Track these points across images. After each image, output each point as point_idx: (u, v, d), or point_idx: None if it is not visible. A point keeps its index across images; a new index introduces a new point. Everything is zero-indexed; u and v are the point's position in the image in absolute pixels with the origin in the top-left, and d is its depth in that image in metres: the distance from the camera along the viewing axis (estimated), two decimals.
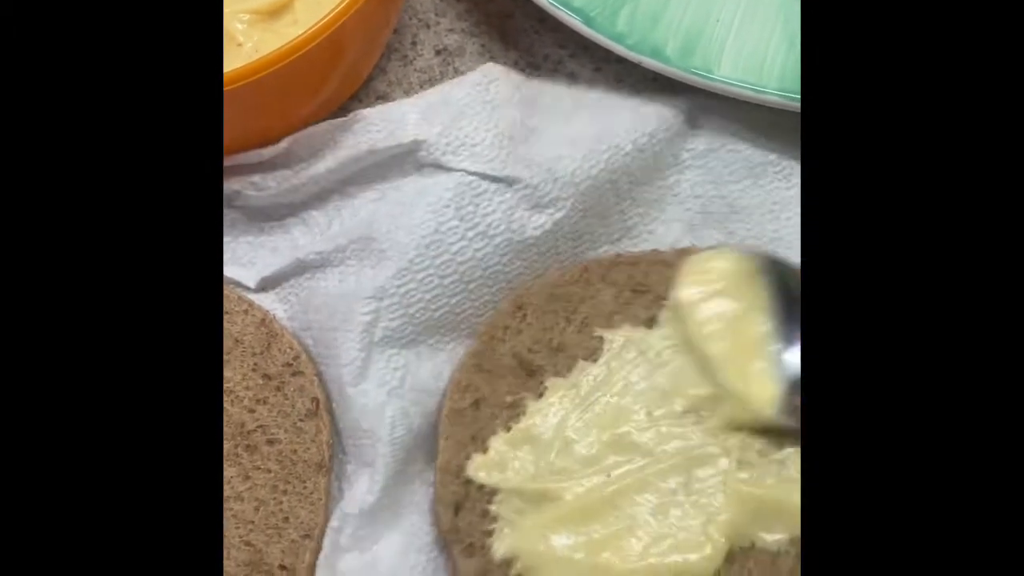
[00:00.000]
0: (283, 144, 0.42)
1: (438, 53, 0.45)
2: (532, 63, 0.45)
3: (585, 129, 0.39)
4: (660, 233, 0.38)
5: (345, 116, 0.42)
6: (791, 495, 0.33)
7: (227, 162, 0.42)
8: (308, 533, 0.36)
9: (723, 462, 0.34)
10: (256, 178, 0.42)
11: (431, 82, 0.45)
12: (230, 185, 0.43)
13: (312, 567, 0.36)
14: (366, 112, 0.41)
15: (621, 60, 0.42)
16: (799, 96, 0.37)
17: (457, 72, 0.44)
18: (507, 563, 0.34)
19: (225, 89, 0.35)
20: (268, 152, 0.42)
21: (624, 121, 0.40)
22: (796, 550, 0.33)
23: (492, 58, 0.44)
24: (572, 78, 0.44)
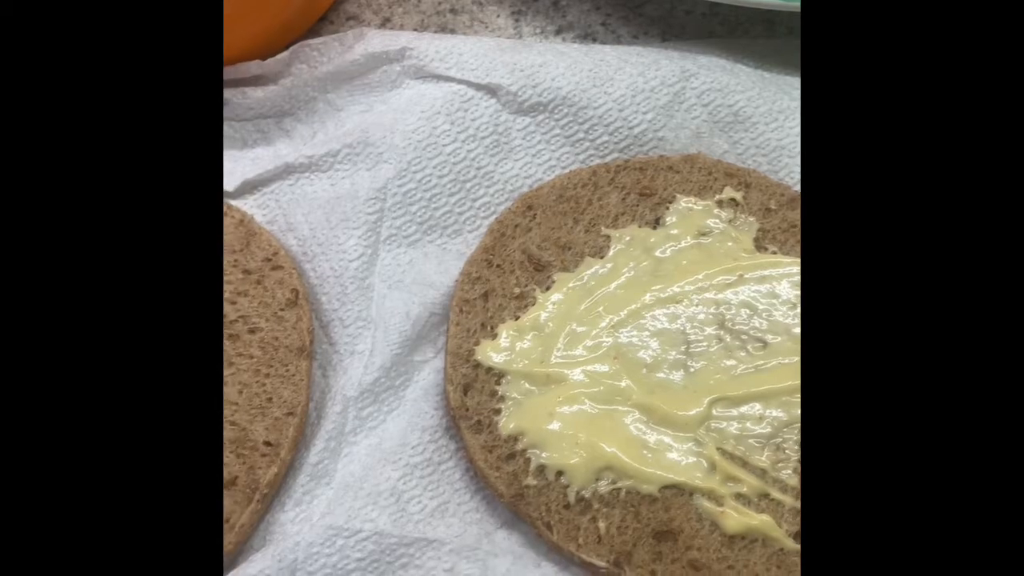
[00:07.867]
0: (284, 55, 0.42)
1: None
2: None
3: (576, 52, 0.42)
4: (669, 139, 0.39)
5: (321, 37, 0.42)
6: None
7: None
8: (292, 411, 0.35)
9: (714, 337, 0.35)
10: (245, 88, 0.42)
11: (399, 2, 0.46)
12: None
13: (295, 442, 0.35)
14: (365, 29, 0.43)
15: None
16: None
17: None
18: (513, 439, 0.34)
19: None
20: (269, 63, 0.42)
21: (615, 49, 0.42)
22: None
23: None
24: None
